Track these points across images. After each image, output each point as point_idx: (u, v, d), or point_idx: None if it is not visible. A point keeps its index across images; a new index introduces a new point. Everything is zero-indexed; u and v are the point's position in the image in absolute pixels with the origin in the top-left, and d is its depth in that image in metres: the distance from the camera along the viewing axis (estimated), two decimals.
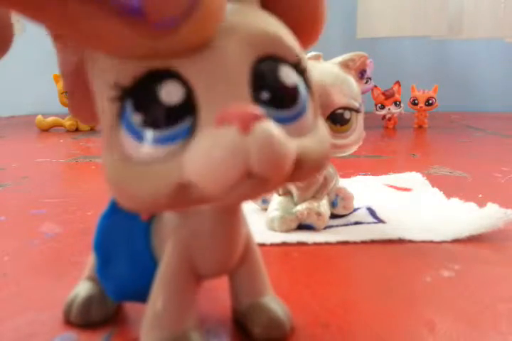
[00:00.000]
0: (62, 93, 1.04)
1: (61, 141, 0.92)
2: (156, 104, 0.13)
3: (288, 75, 0.14)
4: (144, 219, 0.19)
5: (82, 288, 0.22)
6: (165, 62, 0.12)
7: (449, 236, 0.33)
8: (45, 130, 1.08)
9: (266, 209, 0.37)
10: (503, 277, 0.27)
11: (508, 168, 0.60)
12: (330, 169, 0.37)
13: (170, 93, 0.12)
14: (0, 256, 0.30)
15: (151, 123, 0.13)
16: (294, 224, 0.35)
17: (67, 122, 1.07)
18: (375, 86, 1.05)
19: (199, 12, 0.11)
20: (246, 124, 0.12)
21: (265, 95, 0.13)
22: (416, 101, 1.09)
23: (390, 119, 1.10)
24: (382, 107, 1.06)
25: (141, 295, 0.18)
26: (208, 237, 0.18)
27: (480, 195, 0.44)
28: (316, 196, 0.36)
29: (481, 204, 0.36)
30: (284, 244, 0.32)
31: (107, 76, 0.13)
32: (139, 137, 0.13)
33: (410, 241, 0.33)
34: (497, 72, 1.67)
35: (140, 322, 0.18)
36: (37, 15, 0.11)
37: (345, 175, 0.53)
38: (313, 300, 0.24)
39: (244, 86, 0.13)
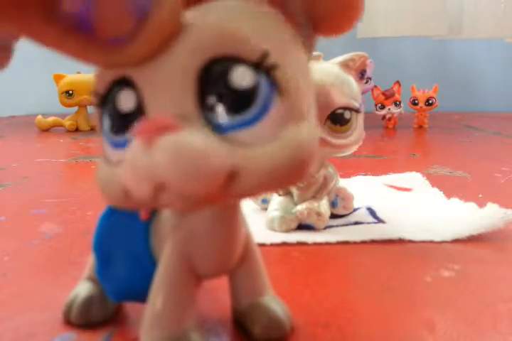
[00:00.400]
0: (62, 93, 1.04)
1: (61, 141, 0.92)
2: (115, 110, 0.14)
3: (242, 77, 0.12)
4: (143, 220, 0.19)
5: (82, 289, 0.22)
6: (123, 72, 0.13)
7: (448, 236, 0.33)
8: (45, 130, 1.08)
9: (266, 209, 0.37)
10: (503, 277, 0.27)
11: (508, 168, 0.60)
12: (330, 169, 0.37)
13: (125, 100, 0.13)
14: (0, 256, 0.30)
15: (113, 128, 0.14)
16: (294, 224, 0.35)
17: (67, 122, 1.07)
18: (375, 86, 1.05)
19: (147, 29, 0.12)
20: (148, 138, 0.12)
21: (212, 100, 0.13)
22: (416, 101, 1.09)
23: (390, 119, 1.10)
24: (382, 107, 1.06)
25: (141, 295, 0.18)
26: (206, 237, 0.18)
27: (480, 195, 0.44)
28: (316, 196, 0.36)
29: (481, 204, 0.36)
30: (284, 244, 0.32)
31: (94, 84, 0.14)
32: (110, 142, 0.14)
33: (410, 241, 0.32)
34: (497, 72, 1.67)
35: (140, 322, 0.18)
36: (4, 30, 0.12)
37: (345, 175, 0.53)
38: (313, 300, 0.24)
39: (188, 93, 0.13)
